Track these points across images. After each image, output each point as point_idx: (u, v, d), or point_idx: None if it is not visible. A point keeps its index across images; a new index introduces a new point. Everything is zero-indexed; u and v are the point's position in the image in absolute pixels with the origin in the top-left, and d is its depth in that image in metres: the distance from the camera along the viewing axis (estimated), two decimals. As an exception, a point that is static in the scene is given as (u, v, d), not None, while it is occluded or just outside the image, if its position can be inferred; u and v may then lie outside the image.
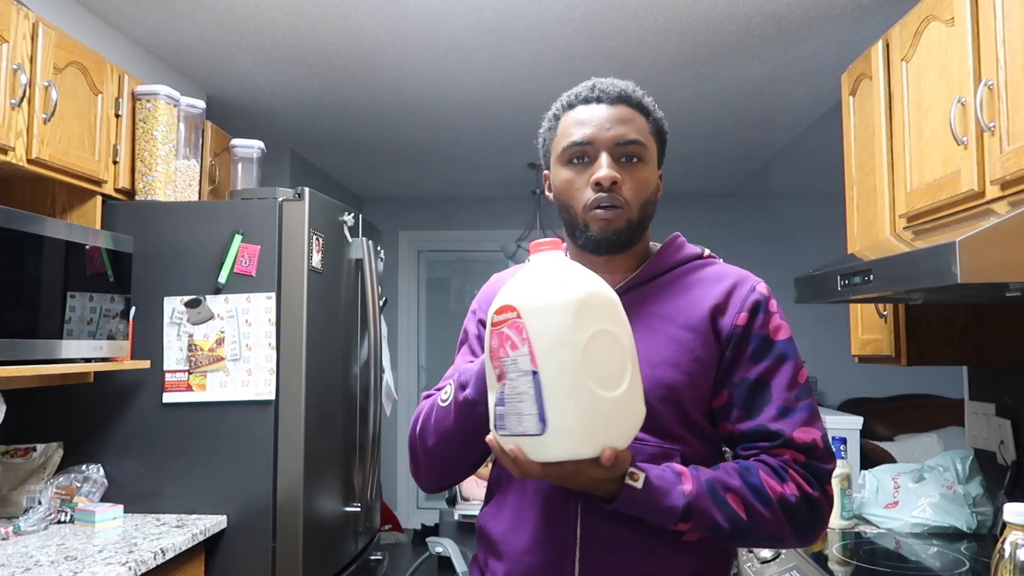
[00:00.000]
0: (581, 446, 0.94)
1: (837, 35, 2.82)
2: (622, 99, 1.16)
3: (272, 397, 2.32)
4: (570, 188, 1.15)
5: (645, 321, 1.13)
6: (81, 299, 2.05)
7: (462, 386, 1.11)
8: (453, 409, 1.12)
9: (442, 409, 1.14)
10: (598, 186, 1.12)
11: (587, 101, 1.17)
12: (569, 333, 0.92)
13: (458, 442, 1.14)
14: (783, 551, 1.96)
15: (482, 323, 1.23)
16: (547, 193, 1.24)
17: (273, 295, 2.34)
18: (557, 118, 1.20)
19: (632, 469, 1.01)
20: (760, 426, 1.10)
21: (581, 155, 1.14)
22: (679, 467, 1.06)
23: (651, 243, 1.25)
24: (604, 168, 1.12)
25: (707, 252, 1.26)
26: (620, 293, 1.13)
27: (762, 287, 1.18)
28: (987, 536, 2.05)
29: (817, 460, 1.09)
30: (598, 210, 1.12)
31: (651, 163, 1.17)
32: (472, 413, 1.10)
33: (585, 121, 1.15)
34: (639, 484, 1.01)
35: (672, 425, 1.11)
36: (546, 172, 1.24)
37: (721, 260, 1.26)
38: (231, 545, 2.30)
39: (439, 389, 1.20)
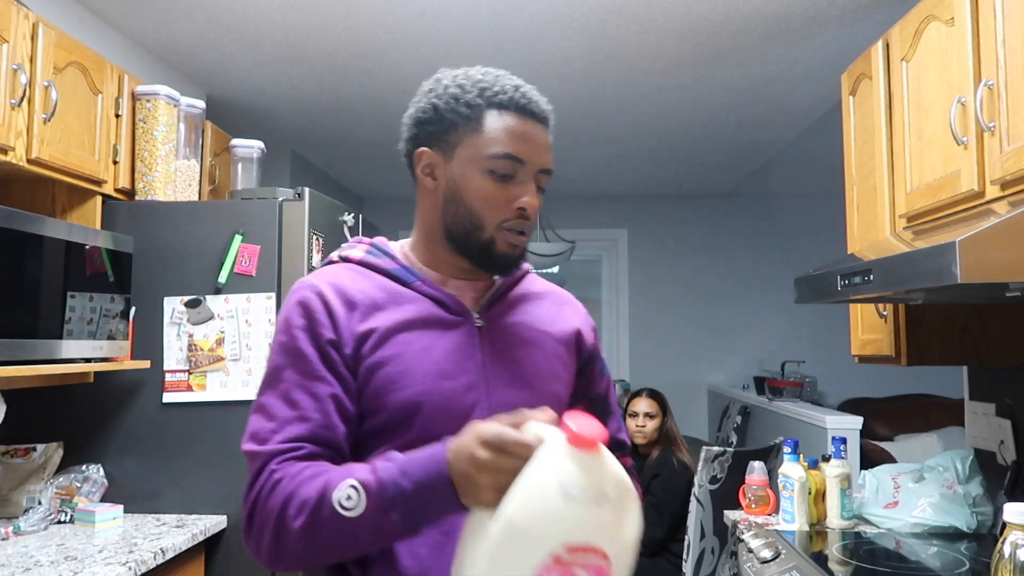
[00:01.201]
0: None
1: (837, 35, 2.81)
2: (548, 123, 1.10)
3: (272, 397, 2.31)
4: (486, 201, 1.05)
5: (524, 333, 1.13)
6: (81, 299, 2.05)
7: (389, 506, 0.87)
8: (367, 527, 0.88)
9: (344, 519, 0.88)
10: (521, 211, 1.06)
11: (521, 112, 1.06)
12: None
13: (358, 551, 0.93)
14: (783, 551, 1.96)
15: (332, 344, 1.01)
16: (420, 173, 1.10)
17: (273, 295, 2.34)
18: (476, 109, 1.06)
19: None
20: (612, 438, 1.15)
21: (509, 172, 1.05)
22: None
23: None
24: (531, 197, 1.06)
25: (529, 267, 1.27)
26: (489, 304, 1.12)
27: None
28: (987, 536, 2.05)
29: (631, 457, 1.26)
30: (513, 233, 1.07)
31: None
32: (394, 535, 0.89)
33: (522, 137, 1.05)
34: None
35: None
36: (425, 150, 1.09)
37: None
38: (231, 545, 2.30)
39: (290, 451, 0.96)
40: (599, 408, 1.20)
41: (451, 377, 1.03)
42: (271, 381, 1.02)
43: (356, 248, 1.15)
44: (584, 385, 1.21)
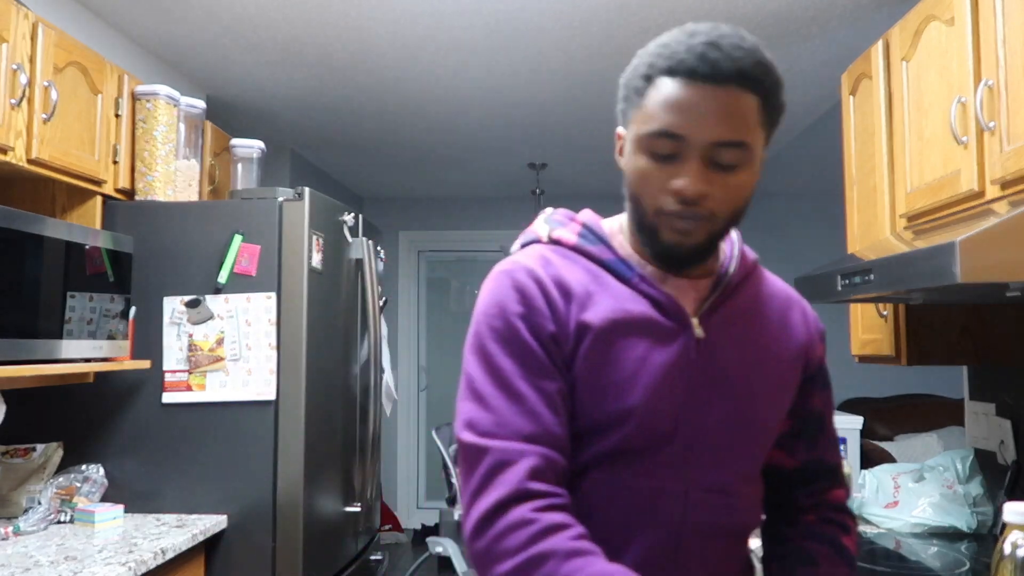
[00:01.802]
0: None
1: (837, 35, 2.81)
2: (738, 78, 0.86)
3: (272, 397, 2.32)
4: (644, 182, 0.92)
5: (745, 351, 0.99)
6: (81, 299, 2.05)
7: None
8: None
9: None
10: (679, 195, 0.89)
11: (692, 75, 0.87)
12: None
13: None
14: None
15: (553, 339, 0.93)
16: (617, 157, 0.99)
17: (273, 295, 2.34)
18: (648, 79, 0.90)
19: None
20: (818, 460, 1.08)
21: (669, 151, 0.89)
22: None
23: None
24: (690, 179, 0.88)
25: (752, 254, 1.10)
26: (711, 310, 0.98)
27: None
28: (987, 536, 2.04)
29: (849, 487, 1.16)
30: (676, 219, 0.91)
31: (753, 163, 0.91)
32: None
33: (684, 107, 0.87)
34: None
35: (756, 469, 1.04)
36: (620, 131, 0.98)
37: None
38: (231, 545, 2.30)
39: (542, 471, 0.88)
40: (811, 427, 1.07)
41: (661, 394, 0.94)
42: (486, 368, 0.92)
43: (567, 229, 1.02)
44: (799, 400, 1.06)
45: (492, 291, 0.96)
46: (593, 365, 0.93)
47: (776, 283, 1.09)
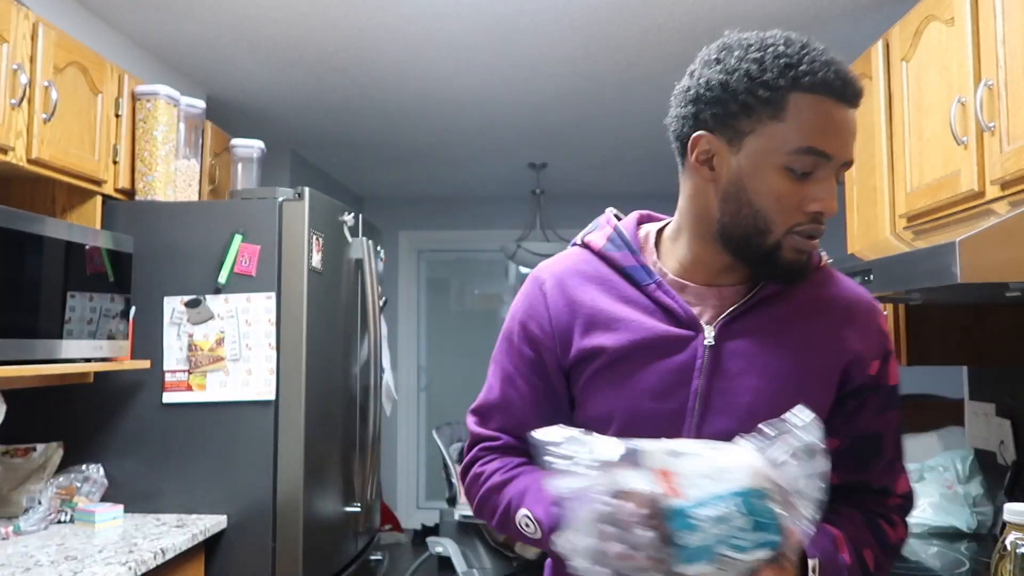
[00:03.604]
0: None
1: (837, 35, 2.81)
2: (858, 105, 0.93)
3: (272, 397, 2.31)
4: (779, 202, 0.90)
5: (763, 358, 0.96)
6: (81, 299, 2.04)
7: (551, 529, 0.93)
8: (546, 543, 0.96)
9: (525, 535, 0.99)
10: (817, 215, 0.90)
11: (837, 95, 0.89)
12: None
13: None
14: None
15: (543, 346, 1.03)
16: (695, 161, 0.95)
17: (273, 295, 2.34)
18: (778, 92, 0.89)
19: (809, 560, 0.89)
20: (864, 481, 1.02)
21: (809, 169, 0.89)
22: (831, 530, 0.94)
23: None
24: (832, 198, 0.90)
25: (825, 257, 1.05)
26: (734, 317, 0.97)
27: (884, 321, 1.03)
28: (987, 536, 2.04)
29: (911, 504, 1.05)
30: (803, 238, 0.91)
31: None
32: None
33: (832, 127, 0.89)
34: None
35: None
36: (704, 135, 0.94)
37: (832, 264, 1.08)
38: (231, 545, 2.30)
39: (491, 439, 1.07)
40: (862, 448, 1.00)
41: (660, 398, 0.95)
42: (497, 356, 1.09)
43: (600, 233, 1.05)
44: (848, 419, 1.00)
45: (519, 293, 1.10)
46: (589, 368, 1.00)
47: (846, 289, 1.02)
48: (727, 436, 0.89)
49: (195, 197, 2.56)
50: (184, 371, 2.34)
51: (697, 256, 0.99)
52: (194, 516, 2.29)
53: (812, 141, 0.88)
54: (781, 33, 0.93)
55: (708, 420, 0.95)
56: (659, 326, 0.97)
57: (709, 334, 0.96)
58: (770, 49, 0.91)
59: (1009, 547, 1.01)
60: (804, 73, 0.88)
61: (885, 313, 1.06)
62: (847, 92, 0.90)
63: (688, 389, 0.96)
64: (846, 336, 0.98)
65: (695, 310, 0.98)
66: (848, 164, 0.92)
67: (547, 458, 0.83)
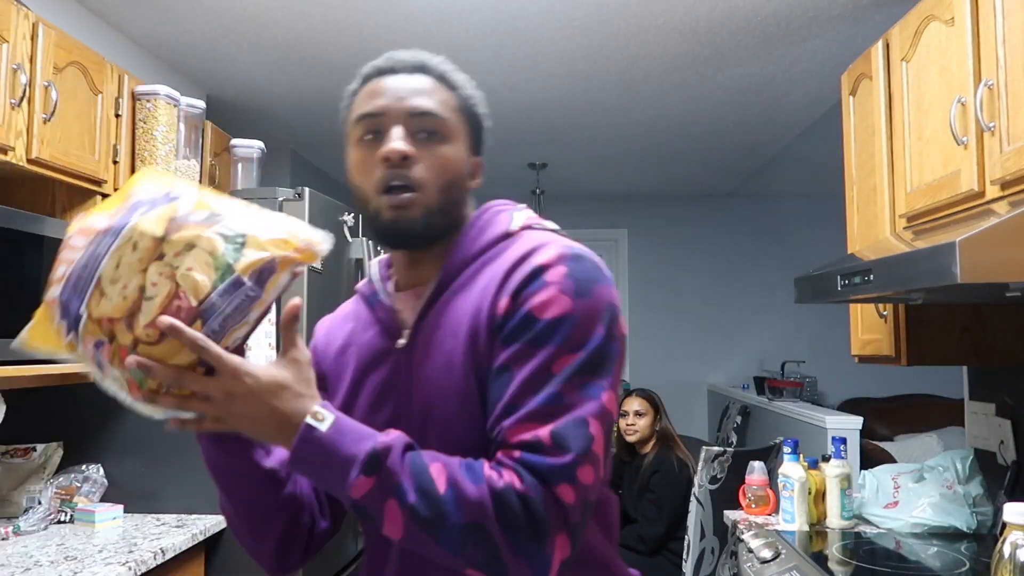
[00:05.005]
0: None
1: (837, 35, 2.82)
2: (421, 69, 0.99)
3: (272, 397, 2.31)
4: (360, 169, 0.97)
5: (440, 344, 0.94)
6: (81, 299, 2.04)
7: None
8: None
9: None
10: (387, 162, 0.94)
11: (382, 73, 1.00)
12: None
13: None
14: (783, 551, 1.96)
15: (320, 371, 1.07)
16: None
17: (273, 295, 2.33)
18: (353, 94, 1.02)
19: (317, 409, 0.85)
20: (489, 427, 0.88)
21: (372, 129, 0.97)
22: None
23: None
24: (394, 140, 0.94)
25: (523, 222, 1.02)
26: (423, 314, 0.97)
27: (549, 252, 0.90)
28: (987, 536, 2.05)
29: (540, 454, 0.82)
30: (389, 195, 0.94)
31: (456, 141, 1.00)
32: None
33: (377, 92, 0.98)
34: (324, 425, 0.84)
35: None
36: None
37: (546, 228, 1.02)
38: (231, 545, 2.30)
39: None
40: (493, 385, 0.88)
41: (378, 410, 0.98)
42: None
43: (371, 271, 1.11)
44: (488, 360, 0.90)
45: None
46: (330, 390, 1.06)
47: (518, 244, 0.96)
48: (424, 436, 0.90)
49: (195, 197, 2.55)
50: (184, 371, 2.33)
51: (394, 261, 1.06)
52: (194, 516, 2.29)
53: (362, 109, 0.98)
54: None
55: (413, 421, 0.94)
56: (377, 335, 1.02)
57: (401, 337, 0.99)
58: (360, 71, 1.03)
59: (1007, 555, 1.01)
60: (364, 70, 1.01)
61: (554, 249, 0.91)
62: (391, 66, 0.99)
63: (399, 392, 0.97)
64: (482, 293, 0.93)
65: (402, 316, 1.01)
66: (416, 112, 0.96)
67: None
